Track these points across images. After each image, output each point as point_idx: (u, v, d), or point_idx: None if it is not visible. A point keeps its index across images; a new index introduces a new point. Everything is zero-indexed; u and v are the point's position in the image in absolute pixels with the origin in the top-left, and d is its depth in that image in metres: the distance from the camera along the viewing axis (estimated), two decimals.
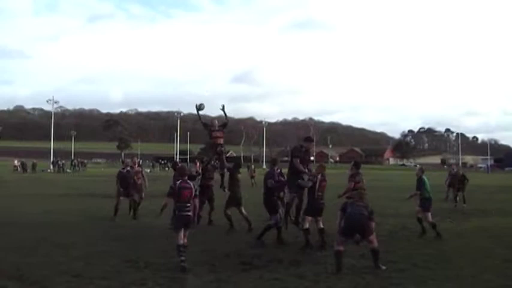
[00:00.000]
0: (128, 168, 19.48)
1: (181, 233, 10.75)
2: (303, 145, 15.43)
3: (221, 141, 17.62)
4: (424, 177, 16.15)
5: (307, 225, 13.03)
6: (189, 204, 10.81)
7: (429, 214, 15.60)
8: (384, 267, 10.59)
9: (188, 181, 11.06)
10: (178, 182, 11.05)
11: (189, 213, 10.82)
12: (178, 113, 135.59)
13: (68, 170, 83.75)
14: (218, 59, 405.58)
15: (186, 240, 10.80)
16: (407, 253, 12.58)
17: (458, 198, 26.13)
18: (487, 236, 15.38)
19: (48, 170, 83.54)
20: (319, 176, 13.50)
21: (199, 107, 18.03)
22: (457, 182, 27.02)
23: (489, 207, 24.82)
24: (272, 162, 14.98)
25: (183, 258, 10.59)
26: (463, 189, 26.42)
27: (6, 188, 37.94)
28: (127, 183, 18.93)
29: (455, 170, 30.26)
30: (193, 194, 10.97)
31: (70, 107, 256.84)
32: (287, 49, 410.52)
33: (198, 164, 18.56)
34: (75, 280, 9.58)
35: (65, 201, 26.54)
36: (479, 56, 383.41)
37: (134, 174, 19.36)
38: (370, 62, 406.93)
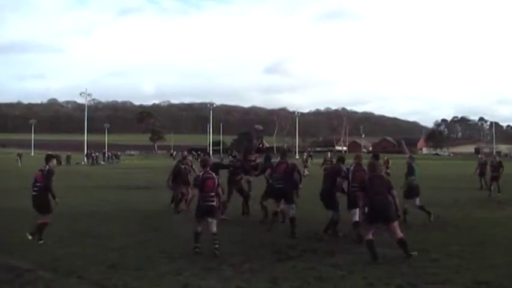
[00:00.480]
0: (185, 165, 19.59)
1: (201, 222, 11.22)
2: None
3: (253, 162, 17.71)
4: (414, 164, 16.42)
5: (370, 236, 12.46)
6: (212, 194, 11.12)
7: (417, 199, 15.84)
8: (414, 253, 10.58)
9: (210, 172, 11.28)
10: (201, 173, 11.26)
11: (212, 203, 11.18)
12: (211, 104, 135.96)
13: (102, 162, 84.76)
14: (250, 50, 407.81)
15: (215, 229, 11.11)
16: (441, 242, 12.51)
17: (492, 188, 25.84)
18: None
19: (82, 163, 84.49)
20: (351, 168, 13.44)
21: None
22: (491, 170, 26.75)
23: None
24: (341, 159, 14.84)
25: (198, 245, 11.15)
26: (497, 178, 26.15)
27: None
28: (180, 178, 18.94)
29: (483, 159, 30.31)
30: (216, 184, 11.19)
31: (103, 100, 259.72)
32: (318, 39, 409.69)
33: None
34: (110, 270, 9.73)
35: (100, 193, 26.88)
36: (507, 45, 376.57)
37: (188, 172, 19.34)
38: (402, 50, 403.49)
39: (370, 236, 10.58)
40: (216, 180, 11.41)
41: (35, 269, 9.93)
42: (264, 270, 9.82)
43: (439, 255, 11.05)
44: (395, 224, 10.80)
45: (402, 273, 9.49)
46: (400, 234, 10.71)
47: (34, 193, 12.64)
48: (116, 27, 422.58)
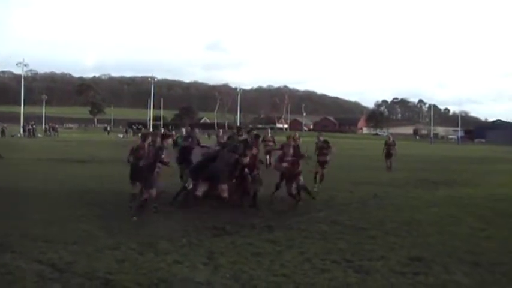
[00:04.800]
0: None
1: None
2: None
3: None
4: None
5: None
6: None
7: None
8: None
9: None
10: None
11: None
12: (152, 78, 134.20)
13: (40, 135, 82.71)
14: (191, 26, 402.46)
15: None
16: (378, 220, 12.76)
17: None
18: (456, 205, 15.62)
19: (19, 135, 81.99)
20: None
21: None
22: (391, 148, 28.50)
23: (458, 177, 25.21)
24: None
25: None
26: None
27: None
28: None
29: (391, 139, 30.35)
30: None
31: (41, 71, 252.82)
32: (260, 17, 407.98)
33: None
34: (46, 245, 9.51)
35: (37, 167, 26.28)
36: (451, 30, 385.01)
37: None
38: (346, 31, 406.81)
39: None
40: None
41: None
42: (201, 244, 9.84)
43: (375, 232, 11.28)
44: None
45: (339, 249, 9.65)
46: None
47: None
48: None
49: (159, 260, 8.65)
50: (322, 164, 19.35)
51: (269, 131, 29.43)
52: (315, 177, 18.76)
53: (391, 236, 10.91)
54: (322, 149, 19.72)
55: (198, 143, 17.66)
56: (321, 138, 20.42)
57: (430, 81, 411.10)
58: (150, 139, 13.55)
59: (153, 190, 12.82)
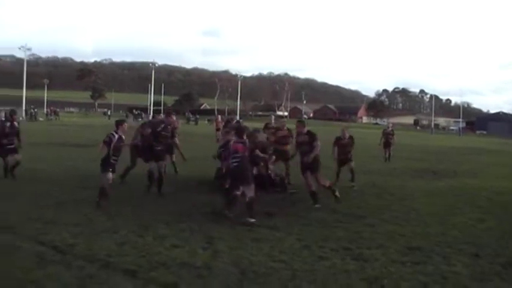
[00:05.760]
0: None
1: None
2: None
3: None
4: None
5: None
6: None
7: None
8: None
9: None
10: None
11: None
12: (153, 63, 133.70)
13: (41, 119, 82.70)
14: (190, 11, 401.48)
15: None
16: (377, 209, 12.80)
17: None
18: (455, 196, 15.64)
19: (20, 118, 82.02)
20: None
21: None
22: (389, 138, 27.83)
23: (459, 168, 25.23)
24: None
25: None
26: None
27: None
28: None
29: (390, 128, 29.44)
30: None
31: (43, 55, 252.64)
32: (261, 2, 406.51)
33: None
34: (47, 227, 9.60)
35: (38, 150, 26.22)
36: (453, 20, 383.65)
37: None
38: (348, 19, 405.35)
39: None
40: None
41: None
42: (200, 229, 9.88)
43: (374, 220, 11.31)
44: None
45: (337, 237, 9.67)
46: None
47: None
48: None
49: (158, 244, 8.69)
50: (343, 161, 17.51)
51: (272, 117, 29.40)
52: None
53: (390, 225, 10.93)
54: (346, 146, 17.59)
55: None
56: (347, 134, 17.76)
57: (431, 71, 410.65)
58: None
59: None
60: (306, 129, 13.66)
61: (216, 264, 7.71)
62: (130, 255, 7.94)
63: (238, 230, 9.98)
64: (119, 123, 12.51)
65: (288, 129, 16.33)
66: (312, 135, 13.37)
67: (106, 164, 12.04)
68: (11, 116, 14.54)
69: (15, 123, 15.90)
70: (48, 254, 7.99)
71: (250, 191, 11.10)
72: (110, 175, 12.10)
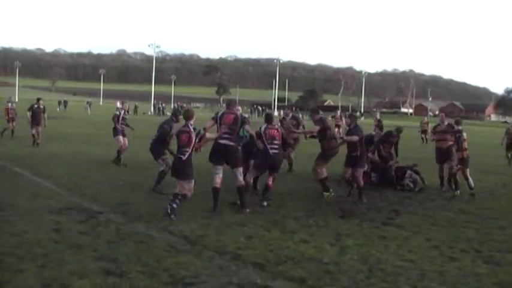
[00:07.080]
0: None
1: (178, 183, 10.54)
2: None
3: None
4: None
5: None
6: (187, 149, 10.33)
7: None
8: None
9: (189, 125, 10.56)
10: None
11: (181, 156, 10.34)
12: (278, 60, 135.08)
13: (168, 114, 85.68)
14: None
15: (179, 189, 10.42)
16: (508, 210, 12.32)
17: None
18: None
19: (149, 113, 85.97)
20: None
21: None
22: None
23: None
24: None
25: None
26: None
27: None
28: None
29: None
30: (193, 140, 10.36)
31: (170, 52, 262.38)
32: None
33: None
34: (177, 217, 9.81)
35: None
36: None
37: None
38: (475, 15, 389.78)
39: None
40: (192, 135, 10.64)
41: (105, 211, 10.33)
42: (328, 225, 9.93)
43: (506, 223, 10.89)
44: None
45: (468, 238, 9.41)
46: None
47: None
48: None
49: (286, 238, 8.80)
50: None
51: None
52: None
53: None
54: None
55: None
56: (460, 128, 14.88)
57: None
58: None
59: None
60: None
61: (343, 260, 7.72)
62: (259, 249, 8.09)
63: (365, 227, 9.96)
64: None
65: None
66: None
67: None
68: (176, 116, 14.22)
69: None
70: (179, 243, 8.30)
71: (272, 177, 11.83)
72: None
